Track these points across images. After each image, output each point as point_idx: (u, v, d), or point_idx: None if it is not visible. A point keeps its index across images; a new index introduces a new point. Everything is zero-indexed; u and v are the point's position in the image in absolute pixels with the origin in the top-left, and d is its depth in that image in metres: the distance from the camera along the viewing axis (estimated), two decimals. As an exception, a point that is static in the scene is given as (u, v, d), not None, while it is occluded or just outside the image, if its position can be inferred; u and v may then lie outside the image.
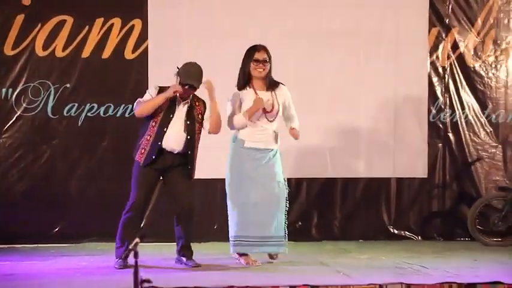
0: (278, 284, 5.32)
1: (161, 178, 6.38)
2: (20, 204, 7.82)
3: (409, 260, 6.69)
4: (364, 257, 6.83)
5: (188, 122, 6.22)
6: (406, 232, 8.39)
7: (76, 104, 7.92)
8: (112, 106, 7.95)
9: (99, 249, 7.38)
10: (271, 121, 6.32)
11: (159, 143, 6.17)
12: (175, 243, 6.45)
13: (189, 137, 6.23)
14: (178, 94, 6.20)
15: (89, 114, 7.93)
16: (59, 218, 7.90)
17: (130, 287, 4.34)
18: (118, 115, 7.97)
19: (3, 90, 7.83)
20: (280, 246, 6.39)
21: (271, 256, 6.48)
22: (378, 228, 8.28)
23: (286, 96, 6.41)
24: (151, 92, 6.34)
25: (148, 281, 4.25)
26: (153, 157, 6.18)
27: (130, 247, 4.15)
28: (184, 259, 6.37)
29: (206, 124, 6.36)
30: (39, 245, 7.58)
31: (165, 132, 6.16)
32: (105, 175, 7.97)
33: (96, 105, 7.94)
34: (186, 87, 6.13)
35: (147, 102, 6.25)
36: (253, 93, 6.27)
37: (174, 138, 6.20)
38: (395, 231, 8.34)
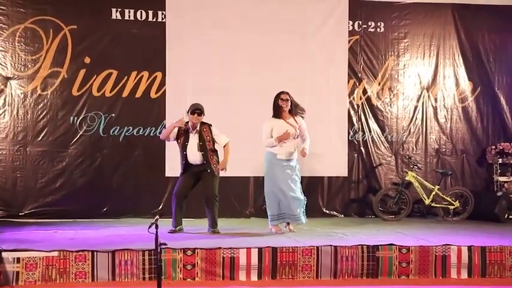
0: (250, 246, 5.29)
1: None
2: (81, 192, 7.73)
3: (336, 230, 6.70)
4: (306, 228, 6.81)
5: (201, 143, 6.37)
6: (334, 212, 8.36)
7: (118, 127, 7.85)
8: (142, 128, 7.89)
9: (133, 222, 7.31)
10: (294, 138, 6.43)
11: (184, 162, 6.39)
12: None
13: (202, 153, 6.38)
14: (190, 125, 6.39)
15: (126, 133, 7.87)
16: (106, 201, 7.80)
17: (153, 247, 4.29)
18: (145, 134, 7.90)
19: (71, 118, 7.74)
20: (299, 220, 6.50)
21: (289, 228, 6.55)
22: (316, 209, 8.24)
23: (302, 124, 6.54)
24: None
25: (165, 244, 4.22)
26: (182, 170, 6.43)
27: (152, 221, 4.10)
28: (210, 229, 6.45)
29: (220, 142, 6.47)
30: (93, 220, 7.49)
31: (186, 154, 6.30)
32: (137, 173, 7.89)
33: (131, 128, 7.88)
34: (195, 114, 6.26)
35: (164, 130, 6.61)
36: (283, 122, 6.43)
37: (193, 156, 6.41)
38: (327, 211, 8.32)
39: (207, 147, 6.38)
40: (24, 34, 7.64)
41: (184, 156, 6.40)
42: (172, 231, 6.35)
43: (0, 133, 7.61)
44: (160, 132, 7.69)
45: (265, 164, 6.54)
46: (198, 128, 6.39)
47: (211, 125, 6.46)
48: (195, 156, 6.37)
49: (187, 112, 6.41)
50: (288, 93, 6.52)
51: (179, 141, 6.43)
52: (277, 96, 6.51)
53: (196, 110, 6.34)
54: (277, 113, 6.47)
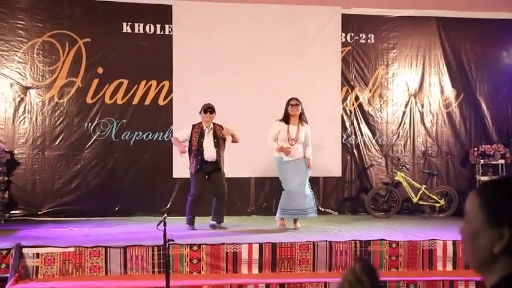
0: (252, 241, 5.29)
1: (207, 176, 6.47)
2: (95, 193, 7.71)
3: (331, 227, 6.70)
4: (304, 225, 6.79)
5: (215, 140, 6.34)
6: (329, 209, 8.34)
7: (129, 132, 7.85)
8: (151, 133, 7.89)
9: (143, 220, 7.29)
10: (296, 144, 6.38)
11: (200, 158, 6.28)
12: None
13: (217, 149, 6.34)
14: (204, 123, 6.36)
15: (136, 138, 7.86)
16: (118, 201, 7.79)
17: (161, 243, 4.28)
18: (154, 139, 7.89)
19: (86, 124, 7.74)
20: (311, 214, 6.44)
21: (295, 225, 6.43)
22: (312, 207, 8.24)
23: (307, 131, 6.48)
24: (185, 130, 6.50)
25: (172, 240, 4.22)
26: (198, 167, 6.29)
27: (161, 219, 4.10)
28: (217, 224, 6.43)
29: (228, 138, 6.48)
30: (106, 218, 7.45)
31: (202, 150, 6.23)
32: (146, 174, 7.87)
33: (141, 133, 7.87)
34: (208, 113, 6.25)
35: (175, 143, 6.51)
36: (289, 127, 6.36)
37: (209, 153, 6.35)
38: (323, 209, 8.27)
39: (220, 144, 6.41)
40: (43, 47, 7.65)
41: (200, 153, 6.34)
42: (193, 228, 6.36)
43: (20, 138, 7.62)
44: (168, 137, 7.76)
45: (276, 167, 6.53)
46: (211, 127, 6.42)
47: (221, 126, 6.51)
48: (210, 152, 6.35)
49: (200, 112, 6.42)
50: (297, 99, 6.44)
51: (194, 137, 6.39)
52: (287, 102, 6.46)
53: (209, 108, 6.37)
54: (286, 117, 6.42)
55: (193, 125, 6.46)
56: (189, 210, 6.44)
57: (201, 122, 6.45)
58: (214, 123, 6.45)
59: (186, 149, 6.38)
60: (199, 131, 6.38)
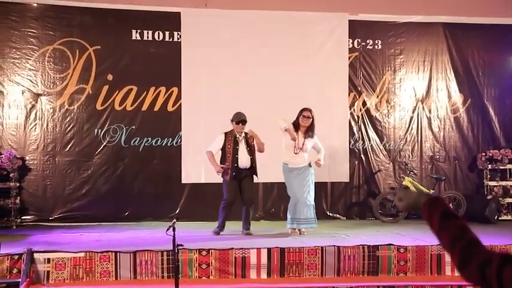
0: (260, 246, 5.29)
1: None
2: (105, 198, 7.75)
3: (338, 231, 6.68)
4: (312, 230, 6.77)
5: (248, 148, 6.33)
6: (337, 214, 8.33)
7: (138, 138, 7.88)
8: (160, 139, 7.92)
9: (152, 225, 7.32)
10: (301, 153, 6.38)
11: (236, 165, 6.34)
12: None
13: (251, 157, 6.39)
14: (236, 132, 6.39)
15: (146, 144, 7.89)
16: (127, 206, 7.81)
17: (171, 248, 4.28)
18: (163, 145, 7.92)
19: (95, 130, 7.79)
20: (313, 224, 6.43)
21: (300, 231, 6.42)
22: (320, 212, 8.13)
23: (315, 141, 6.51)
24: (219, 139, 6.48)
25: (182, 245, 4.22)
26: (234, 174, 6.34)
27: (170, 225, 4.12)
28: (245, 230, 6.46)
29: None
30: (115, 223, 7.49)
31: (237, 158, 6.29)
32: (155, 180, 7.90)
33: (150, 139, 7.90)
34: (240, 124, 6.26)
35: (211, 162, 6.42)
36: (295, 134, 6.38)
37: (244, 160, 6.40)
38: (330, 214, 8.29)
39: (254, 152, 6.44)
40: (53, 54, 7.72)
41: (235, 160, 6.36)
42: (217, 233, 6.38)
43: (31, 144, 7.68)
44: (177, 143, 7.80)
45: (283, 174, 6.55)
46: (244, 135, 6.45)
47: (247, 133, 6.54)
48: (245, 160, 6.39)
49: (232, 121, 6.44)
50: (310, 111, 6.41)
51: (228, 146, 6.40)
52: (300, 112, 6.44)
53: (241, 120, 6.39)
54: (296, 126, 6.41)
55: (226, 133, 6.49)
56: (220, 214, 6.48)
57: (232, 130, 6.46)
58: (245, 132, 6.51)
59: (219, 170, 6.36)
60: (233, 138, 6.41)
